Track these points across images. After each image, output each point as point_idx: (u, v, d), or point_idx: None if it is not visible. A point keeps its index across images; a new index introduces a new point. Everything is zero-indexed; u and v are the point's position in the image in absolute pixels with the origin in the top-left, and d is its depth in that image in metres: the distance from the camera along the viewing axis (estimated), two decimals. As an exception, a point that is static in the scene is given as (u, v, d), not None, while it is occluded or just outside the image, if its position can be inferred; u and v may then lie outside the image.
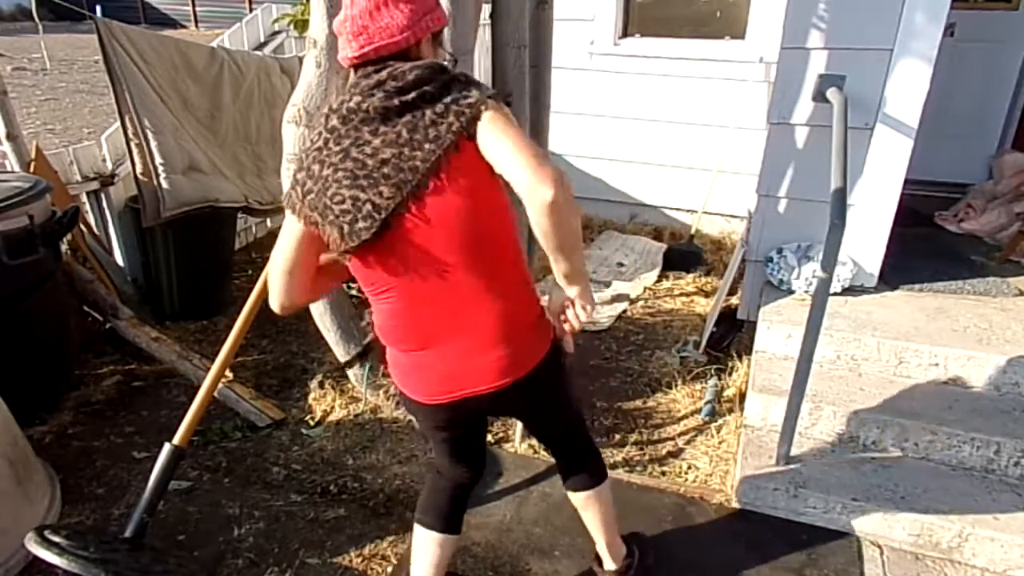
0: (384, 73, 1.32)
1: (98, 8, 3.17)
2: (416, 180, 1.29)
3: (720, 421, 2.75)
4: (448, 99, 1.30)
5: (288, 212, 1.42)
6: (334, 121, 1.35)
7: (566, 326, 1.52)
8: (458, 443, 1.69)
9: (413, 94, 1.30)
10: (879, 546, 2.17)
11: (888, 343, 2.55)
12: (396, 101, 1.30)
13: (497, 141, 1.27)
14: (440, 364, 1.46)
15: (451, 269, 1.36)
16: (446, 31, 1.53)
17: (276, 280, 1.48)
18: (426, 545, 1.75)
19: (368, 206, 1.31)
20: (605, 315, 3.65)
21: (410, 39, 1.34)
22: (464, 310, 1.40)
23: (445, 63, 1.38)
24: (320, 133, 1.37)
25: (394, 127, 1.30)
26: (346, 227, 1.33)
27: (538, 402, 1.62)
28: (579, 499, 1.84)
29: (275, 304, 1.51)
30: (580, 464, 1.81)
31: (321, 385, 2.94)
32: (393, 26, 1.32)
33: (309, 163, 1.37)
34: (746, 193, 3.89)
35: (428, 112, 1.29)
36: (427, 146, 1.28)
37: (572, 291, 1.45)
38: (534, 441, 2.60)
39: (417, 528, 1.76)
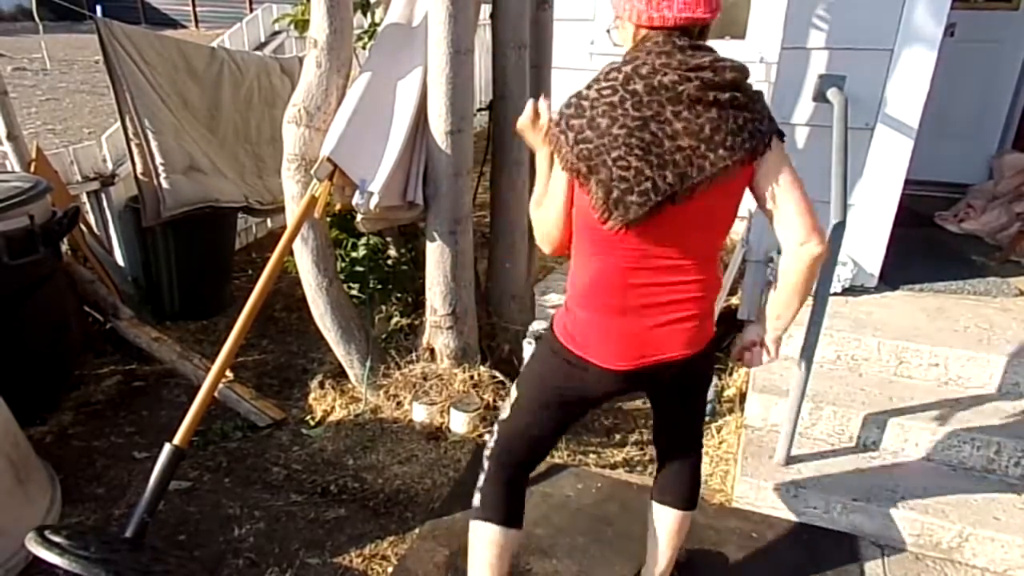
0: (707, 60, 1.30)
1: (98, 8, 3.17)
2: (699, 180, 1.31)
3: (720, 421, 2.75)
4: (748, 114, 1.32)
5: (557, 160, 1.41)
6: (637, 86, 1.32)
7: (746, 355, 1.60)
8: (569, 421, 1.69)
9: (727, 95, 1.30)
10: (879, 546, 2.17)
11: (888, 343, 2.55)
12: (710, 96, 1.29)
13: (784, 181, 1.36)
14: (638, 329, 1.45)
15: (679, 247, 1.40)
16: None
17: (547, 224, 1.50)
18: (493, 540, 1.67)
19: (648, 184, 1.31)
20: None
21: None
22: (674, 283, 1.43)
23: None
24: (615, 89, 1.34)
25: (697, 118, 1.30)
26: (616, 192, 1.32)
27: (697, 379, 1.65)
28: (672, 518, 1.78)
29: (548, 247, 1.54)
30: (688, 478, 1.78)
31: (321, 385, 2.94)
32: None
33: (595, 114, 1.34)
34: (746, 194, 3.88)
35: (731, 119, 1.31)
36: (721, 152, 1.30)
37: (772, 335, 1.54)
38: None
39: (481, 525, 1.67)
